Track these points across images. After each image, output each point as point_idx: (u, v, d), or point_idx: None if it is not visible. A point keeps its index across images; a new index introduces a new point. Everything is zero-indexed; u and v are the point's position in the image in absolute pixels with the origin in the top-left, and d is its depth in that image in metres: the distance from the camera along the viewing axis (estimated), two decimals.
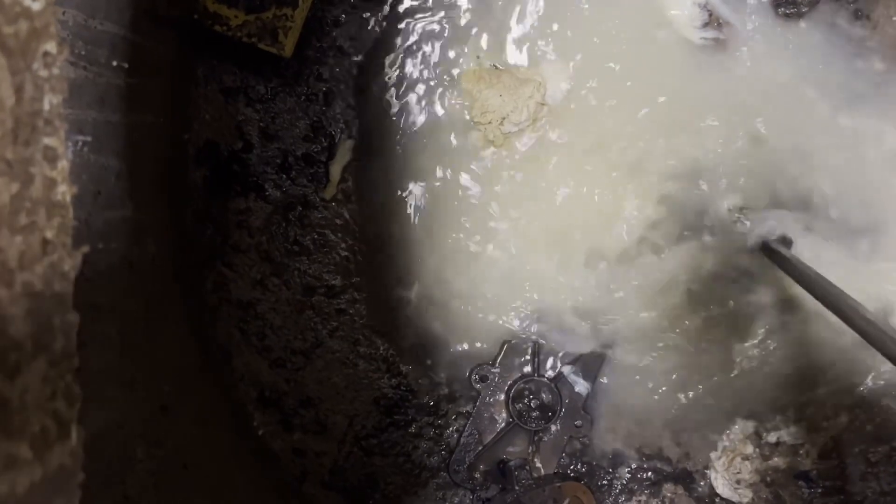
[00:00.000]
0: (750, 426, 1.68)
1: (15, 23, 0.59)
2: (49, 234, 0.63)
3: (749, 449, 1.68)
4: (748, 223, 1.62)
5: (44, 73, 0.61)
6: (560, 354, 1.67)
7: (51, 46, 0.62)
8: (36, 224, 0.62)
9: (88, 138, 0.96)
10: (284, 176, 1.62)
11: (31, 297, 0.62)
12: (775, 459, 1.69)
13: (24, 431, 0.62)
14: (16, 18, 0.59)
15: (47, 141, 0.62)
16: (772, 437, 1.69)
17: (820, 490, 1.68)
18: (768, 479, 1.69)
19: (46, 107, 0.62)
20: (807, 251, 1.59)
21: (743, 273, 1.63)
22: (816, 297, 1.32)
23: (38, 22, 0.60)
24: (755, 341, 1.66)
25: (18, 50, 0.59)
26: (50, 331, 0.66)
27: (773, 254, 1.55)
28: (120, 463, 1.18)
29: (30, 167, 0.60)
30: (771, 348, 1.66)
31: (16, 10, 0.58)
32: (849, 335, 1.60)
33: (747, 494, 1.68)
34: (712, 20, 1.62)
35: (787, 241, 1.59)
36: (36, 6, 0.59)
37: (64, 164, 0.65)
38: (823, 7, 1.63)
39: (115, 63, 1.23)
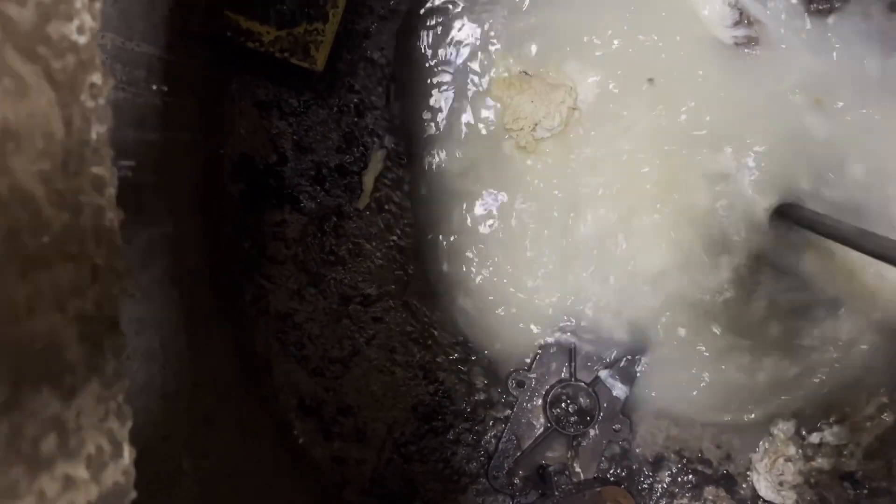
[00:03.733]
0: (791, 427, 1.66)
1: (63, 57, 0.60)
2: (98, 261, 0.65)
3: (792, 450, 1.66)
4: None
5: (90, 104, 0.63)
6: (597, 358, 1.67)
7: (97, 78, 0.64)
8: (86, 251, 0.64)
9: (132, 163, 0.99)
10: (319, 187, 1.64)
11: (83, 322, 0.64)
12: (819, 460, 1.67)
13: (81, 452, 0.64)
14: (63, 53, 0.60)
15: (95, 170, 0.64)
16: (815, 438, 1.67)
17: (866, 491, 1.66)
18: (812, 480, 1.67)
19: (94, 136, 0.64)
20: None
21: (782, 274, 1.61)
22: (848, 244, 1.29)
23: (85, 55, 0.62)
24: (795, 341, 1.64)
25: (67, 83, 0.61)
26: (101, 353, 0.68)
27: (791, 213, 1.54)
28: (167, 474, 1.21)
29: (79, 196, 0.62)
30: (811, 348, 1.64)
31: (63, 45, 0.60)
32: (887, 332, 1.59)
33: (791, 496, 1.66)
34: (743, 18, 1.61)
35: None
36: (82, 40, 0.61)
37: (111, 192, 0.66)
38: (857, 0, 1.61)
39: (152, 83, 1.26)
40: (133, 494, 0.71)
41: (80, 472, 0.63)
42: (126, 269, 0.67)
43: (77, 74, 0.61)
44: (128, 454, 0.70)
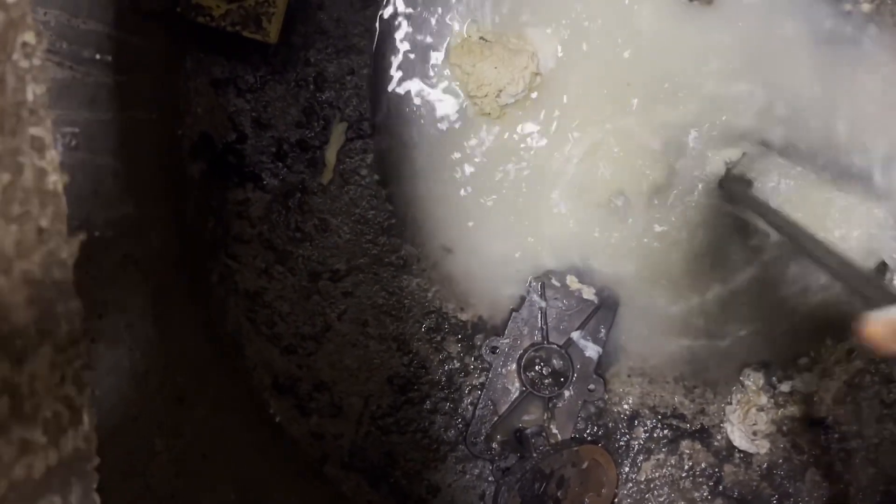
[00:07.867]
0: (761, 377, 1.69)
1: None
2: (44, 223, 0.65)
3: (763, 400, 1.68)
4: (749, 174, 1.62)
5: (24, 63, 0.62)
6: (568, 320, 1.68)
7: (29, 37, 0.63)
8: (30, 213, 0.63)
9: (76, 129, 0.97)
10: (280, 164, 1.63)
11: (31, 285, 0.64)
12: (790, 408, 1.69)
13: (37, 417, 0.64)
14: None
15: (34, 131, 0.63)
16: (785, 387, 1.69)
17: (836, 435, 1.69)
18: (784, 428, 1.69)
19: (30, 97, 0.63)
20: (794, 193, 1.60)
21: (743, 222, 1.64)
22: (781, 233, 1.34)
23: (14, 13, 0.61)
24: (762, 289, 1.66)
25: None
26: (54, 318, 0.67)
27: (734, 188, 1.58)
28: (139, 454, 1.20)
29: (19, 157, 0.61)
30: (778, 296, 1.66)
31: None
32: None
33: (765, 445, 1.68)
34: None
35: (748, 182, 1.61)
36: None
37: (53, 154, 0.65)
38: None
39: (101, 61, 1.24)
40: (96, 460, 0.70)
41: (38, 436, 0.62)
42: (74, 234, 0.66)
43: (7, 33, 0.60)
44: (88, 420, 0.69)
